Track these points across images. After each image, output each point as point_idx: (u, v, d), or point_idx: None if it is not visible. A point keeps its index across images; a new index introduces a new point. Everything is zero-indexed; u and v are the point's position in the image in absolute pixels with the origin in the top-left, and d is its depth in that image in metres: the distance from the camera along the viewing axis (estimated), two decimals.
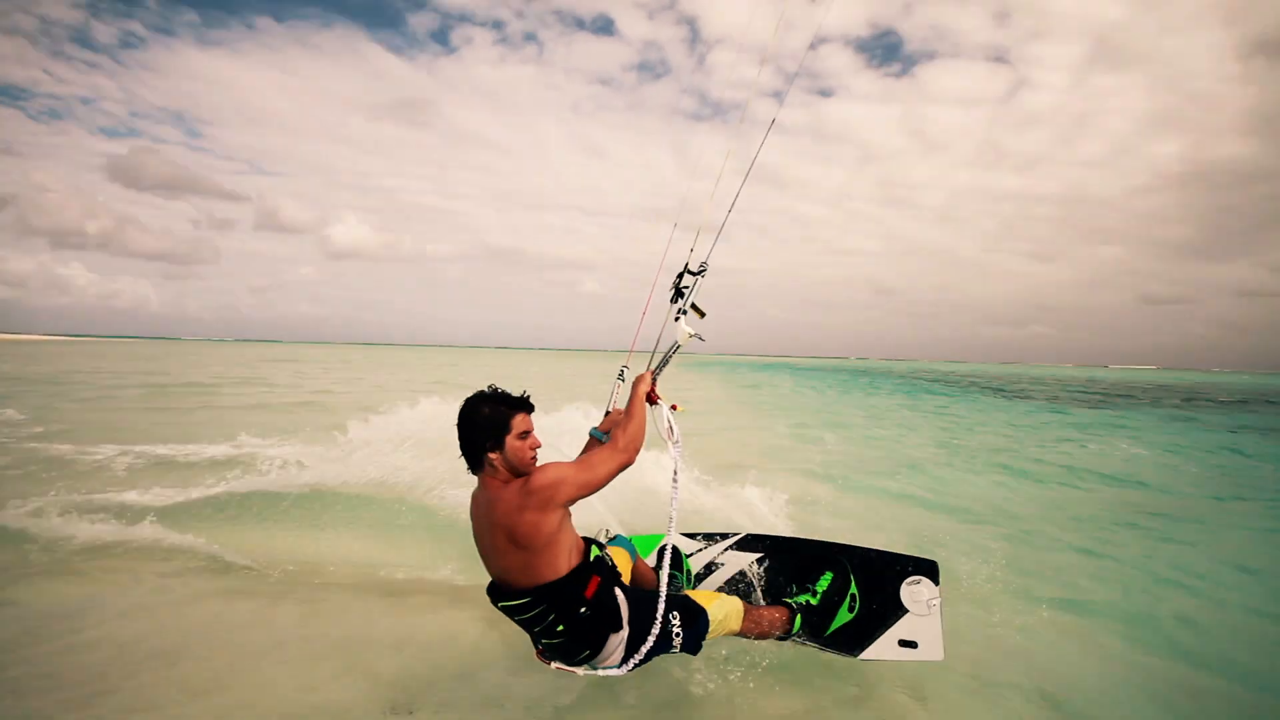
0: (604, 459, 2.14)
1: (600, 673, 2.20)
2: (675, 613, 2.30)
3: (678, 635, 2.28)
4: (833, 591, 2.78)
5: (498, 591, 2.16)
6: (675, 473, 2.32)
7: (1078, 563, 4.32)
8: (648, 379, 2.43)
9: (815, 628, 2.74)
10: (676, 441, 2.37)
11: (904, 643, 2.63)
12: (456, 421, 2.11)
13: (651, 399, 2.38)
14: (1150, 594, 3.84)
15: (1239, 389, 39.63)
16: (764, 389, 25.75)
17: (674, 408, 2.41)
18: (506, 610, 2.16)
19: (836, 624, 2.73)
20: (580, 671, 2.21)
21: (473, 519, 2.19)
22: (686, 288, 2.61)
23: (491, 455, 2.06)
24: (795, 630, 2.69)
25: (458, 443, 2.11)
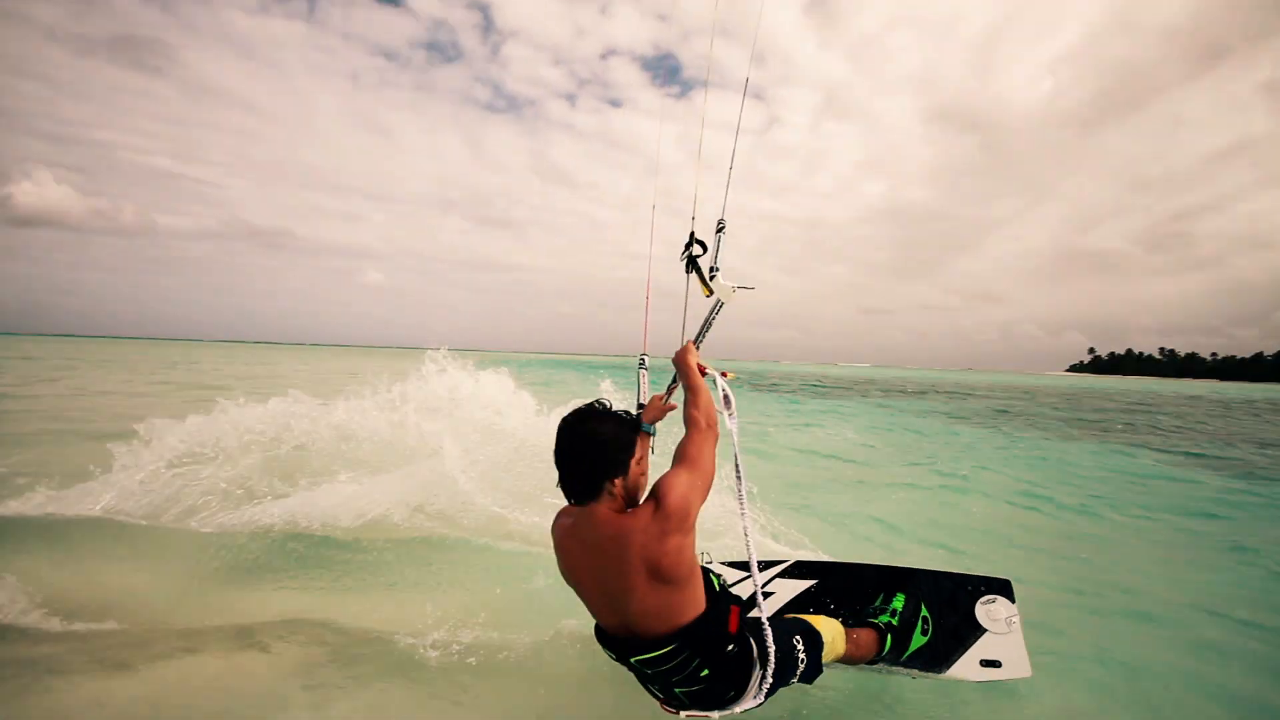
0: (700, 447, 1.89)
1: (738, 710, 1.91)
2: (798, 636, 2.08)
3: (802, 661, 2.05)
4: (907, 613, 2.66)
5: (627, 644, 1.79)
6: (736, 454, 2.03)
7: (793, 519, 5.40)
8: (694, 349, 2.26)
9: (894, 651, 2.60)
10: (733, 413, 2.16)
11: (986, 662, 2.58)
12: (565, 443, 1.79)
13: (701, 370, 2.20)
14: (849, 537, 5.01)
15: (922, 381, 51.19)
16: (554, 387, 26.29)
17: (724, 375, 2.24)
18: (641, 664, 1.80)
19: (913, 648, 2.62)
20: (716, 715, 1.91)
21: (579, 561, 1.81)
22: (698, 256, 2.48)
23: (615, 482, 1.76)
24: (886, 650, 2.55)
25: (561, 466, 1.79)
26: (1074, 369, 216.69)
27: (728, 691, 1.86)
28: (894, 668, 2.59)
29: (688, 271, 2.50)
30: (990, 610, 2.63)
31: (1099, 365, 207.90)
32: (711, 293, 2.44)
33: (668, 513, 1.67)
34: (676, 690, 1.85)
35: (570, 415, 1.83)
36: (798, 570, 2.87)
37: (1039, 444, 11.61)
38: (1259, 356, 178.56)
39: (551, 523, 1.91)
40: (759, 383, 34.09)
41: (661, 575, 1.69)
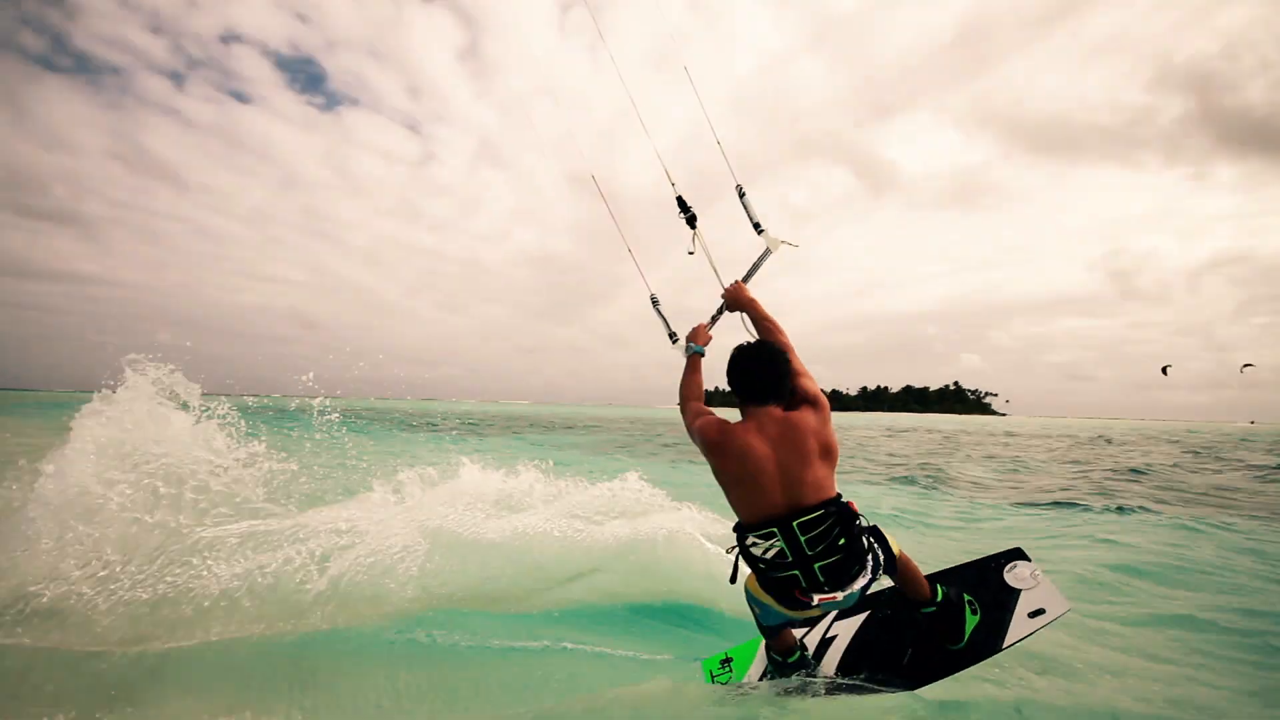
0: (799, 362, 2.56)
1: (855, 587, 2.30)
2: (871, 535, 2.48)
3: (882, 555, 2.46)
4: (952, 597, 2.88)
5: (791, 513, 2.26)
6: None
7: None
8: (744, 286, 3.00)
9: (952, 635, 2.82)
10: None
11: (1033, 613, 2.82)
12: (762, 356, 2.42)
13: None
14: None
15: (570, 416, 56.49)
16: None
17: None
18: (802, 525, 2.25)
19: (970, 627, 2.83)
20: (840, 596, 2.29)
21: (764, 452, 2.30)
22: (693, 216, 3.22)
23: (789, 386, 2.42)
24: (938, 599, 2.84)
25: (752, 376, 2.38)
26: None
27: (852, 566, 2.31)
28: (966, 669, 2.80)
29: (691, 226, 3.23)
30: (1016, 573, 2.97)
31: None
32: (692, 252, 3.22)
33: (822, 407, 2.40)
34: (816, 566, 2.29)
35: (748, 345, 2.49)
36: (856, 609, 3.10)
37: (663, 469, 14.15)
38: None
39: (711, 437, 2.41)
40: (414, 422, 32.03)
41: (829, 453, 2.33)
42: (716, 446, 2.39)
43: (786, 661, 2.92)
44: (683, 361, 2.89)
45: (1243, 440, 34.05)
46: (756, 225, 3.13)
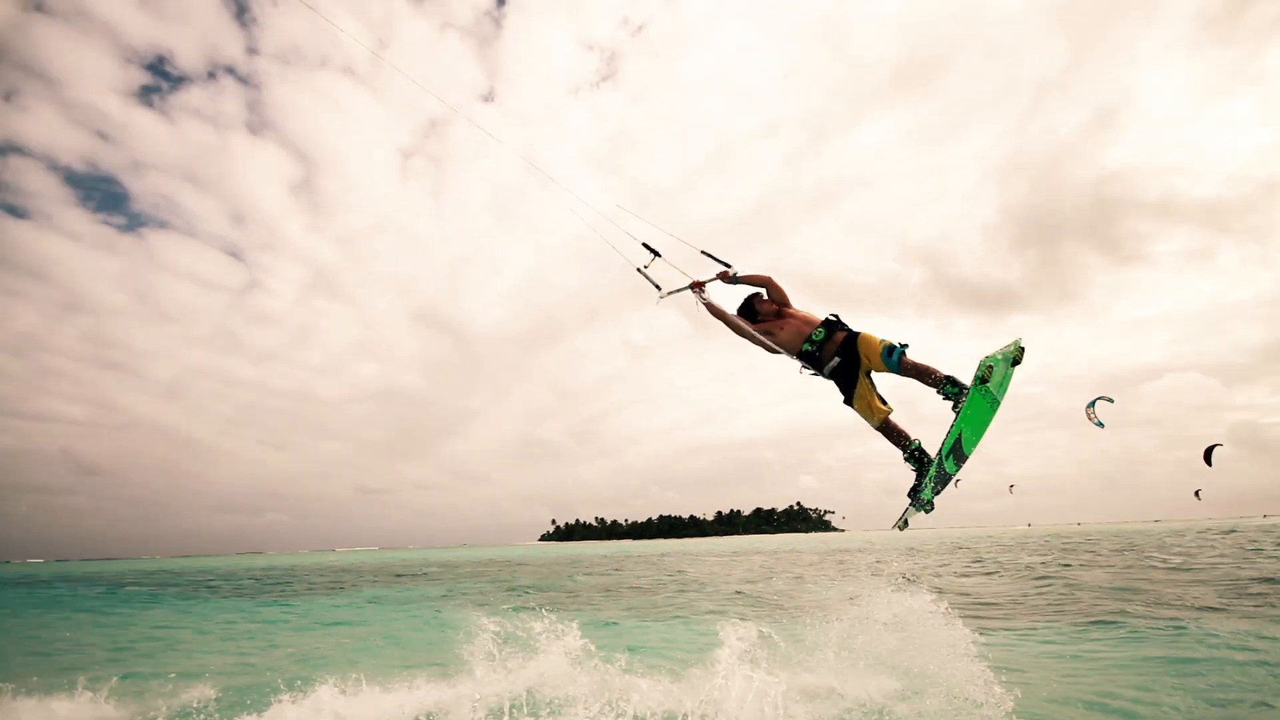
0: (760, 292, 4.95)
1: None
2: None
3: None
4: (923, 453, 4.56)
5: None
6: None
7: None
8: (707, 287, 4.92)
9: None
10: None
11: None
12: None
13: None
14: None
15: (421, 561, 51.88)
16: None
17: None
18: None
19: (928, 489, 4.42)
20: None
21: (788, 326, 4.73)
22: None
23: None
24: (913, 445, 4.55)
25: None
26: (544, 538, 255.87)
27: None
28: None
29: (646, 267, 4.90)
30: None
31: (559, 534, 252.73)
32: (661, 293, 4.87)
33: (771, 286, 4.97)
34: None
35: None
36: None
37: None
38: (649, 520, 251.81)
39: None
40: (219, 584, 27.79)
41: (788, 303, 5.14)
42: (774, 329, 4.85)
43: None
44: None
45: (1020, 541, 40.88)
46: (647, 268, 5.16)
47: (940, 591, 14.74)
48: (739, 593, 16.97)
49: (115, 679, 8.36)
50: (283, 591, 24.25)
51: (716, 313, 4.66)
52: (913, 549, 38.45)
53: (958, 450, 4.19)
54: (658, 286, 4.64)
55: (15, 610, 20.42)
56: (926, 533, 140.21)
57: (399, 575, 32.53)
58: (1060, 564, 21.25)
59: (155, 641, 12.69)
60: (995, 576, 18.54)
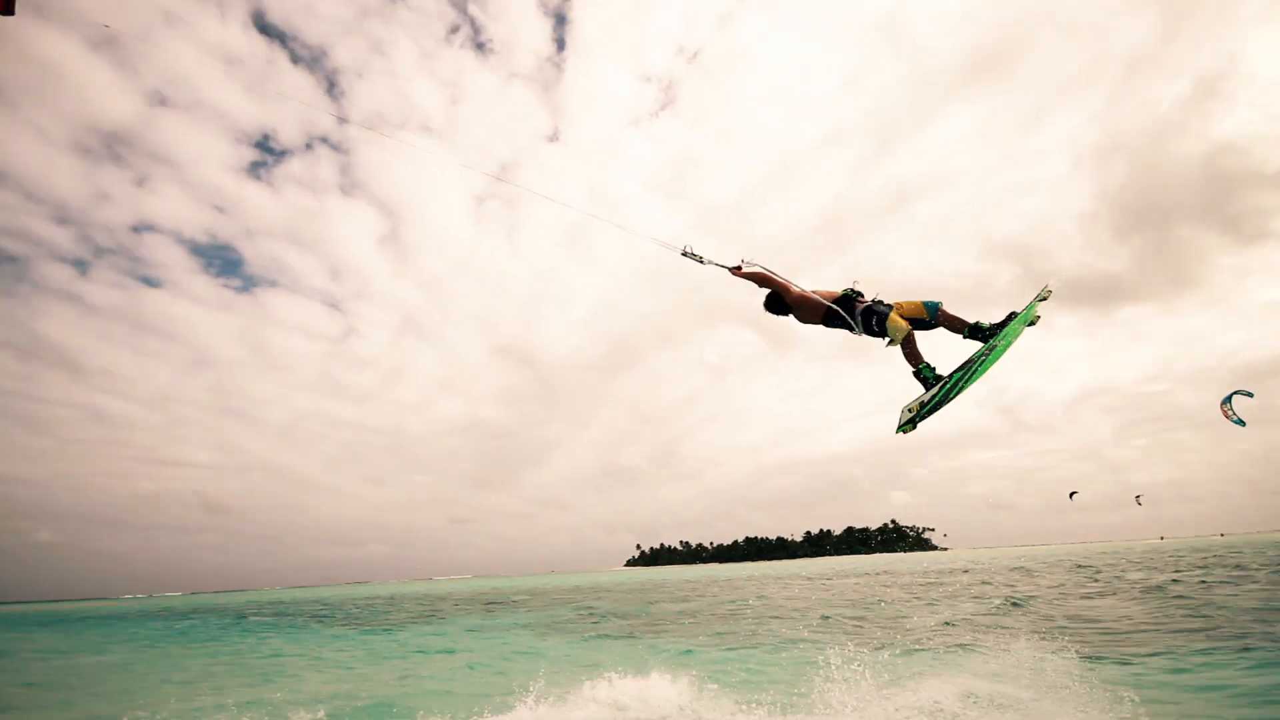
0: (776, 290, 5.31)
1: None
2: None
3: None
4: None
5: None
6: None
7: None
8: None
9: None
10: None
11: None
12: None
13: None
14: None
15: (514, 589, 53.25)
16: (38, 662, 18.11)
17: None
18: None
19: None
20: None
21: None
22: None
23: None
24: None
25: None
26: (629, 563, 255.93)
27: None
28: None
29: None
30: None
31: (645, 559, 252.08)
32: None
33: (777, 287, 5.45)
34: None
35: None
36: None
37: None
38: (735, 542, 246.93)
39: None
40: (326, 615, 29.60)
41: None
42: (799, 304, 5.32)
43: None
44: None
45: (1149, 555, 36.72)
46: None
47: (1049, 618, 13.56)
48: (826, 618, 16.29)
49: (240, 704, 9.12)
50: (386, 620, 25.60)
51: (758, 277, 5.31)
52: (1023, 568, 35.45)
53: (966, 380, 4.99)
54: (700, 260, 5.38)
55: (154, 640, 22.70)
56: (1040, 550, 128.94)
57: (490, 604, 33.50)
58: (1198, 582, 18.98)
59: (275, 667, 13.73)
60: (1117, 597, 16.79)
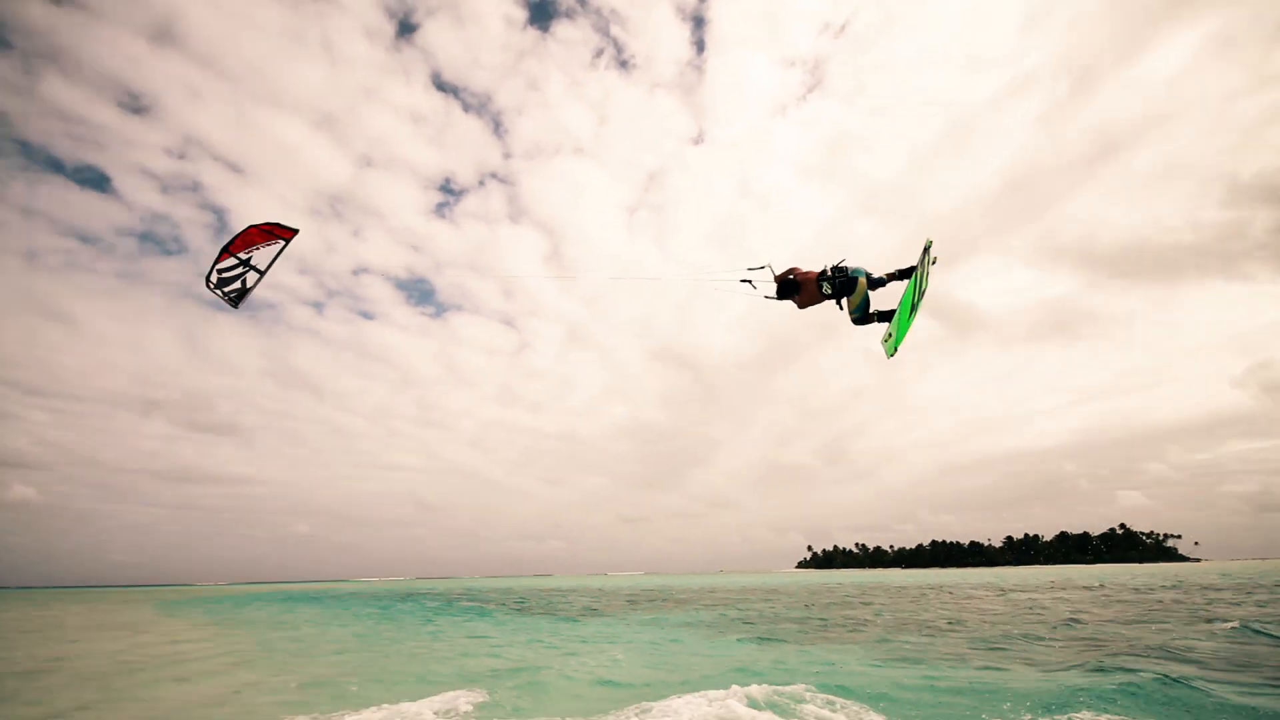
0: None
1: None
2: None
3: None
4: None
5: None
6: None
7: None
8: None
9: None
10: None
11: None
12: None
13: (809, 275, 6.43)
14: None
15: (692, 586, 54.63)
16: (289, 629, 22.68)
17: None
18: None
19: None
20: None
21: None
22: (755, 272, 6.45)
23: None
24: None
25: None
26: (801, 564, 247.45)
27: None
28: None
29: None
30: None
31: (818, 560, 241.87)
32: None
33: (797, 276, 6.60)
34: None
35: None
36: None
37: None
38: (920, 546, 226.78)
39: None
40: (525, 601, 32.88)
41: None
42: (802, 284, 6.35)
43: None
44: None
45: None
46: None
47: None
48: (1032, 637, 14.62)
49: (444, 670, 10.73)
50: (560, 609, 27.97)
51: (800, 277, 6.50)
52: None
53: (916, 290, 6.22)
54: (754, 286, 6.52)
55: (384, 615, 27.09)
56: None
57: (656, 600, 34.82)
58: None
59: (473, 643, 15.80)
60: None
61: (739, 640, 15.58)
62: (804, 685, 8.79)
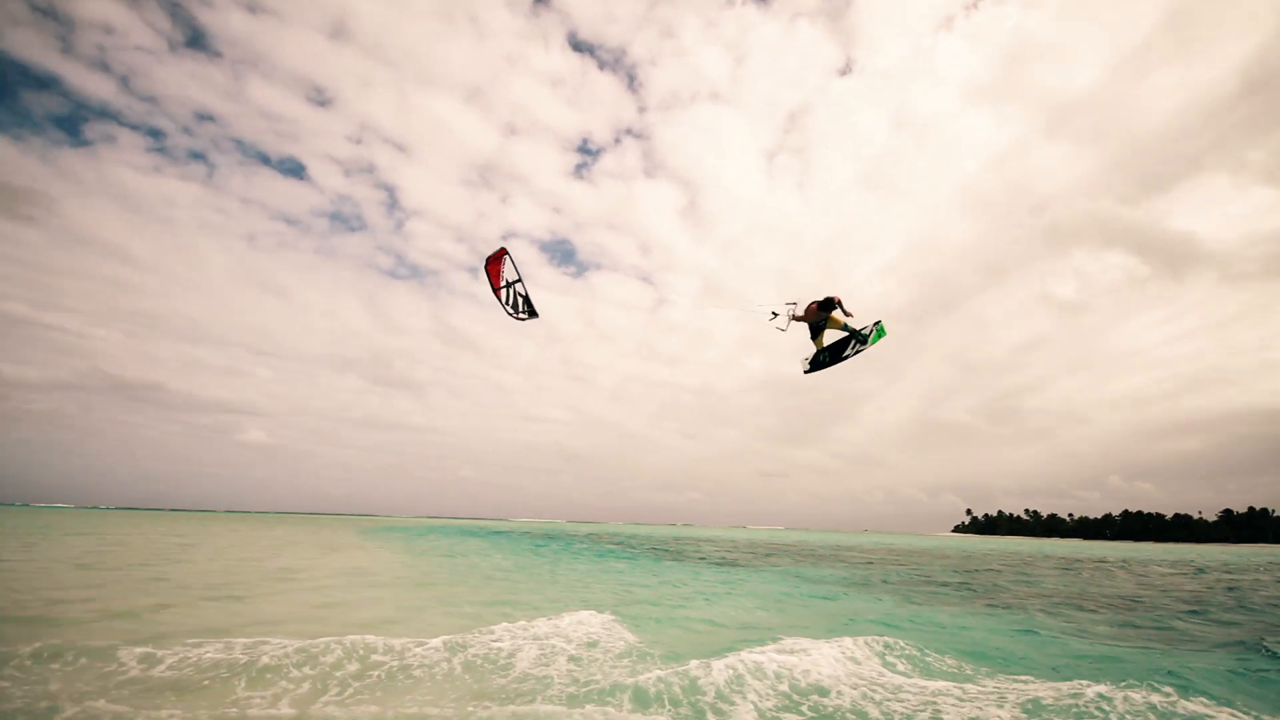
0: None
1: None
2: None
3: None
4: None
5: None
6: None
7: None
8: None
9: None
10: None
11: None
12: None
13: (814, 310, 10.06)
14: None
15: (830, 544, 53.92)
16: (461, 557, 26.12)
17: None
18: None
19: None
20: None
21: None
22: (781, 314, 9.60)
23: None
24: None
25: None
26: (958, 529, 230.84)
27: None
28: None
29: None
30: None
31: (978, 526, 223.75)
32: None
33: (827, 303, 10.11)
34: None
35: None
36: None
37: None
38: (1108, 516, 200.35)
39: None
40: (670, 550, 34.55)
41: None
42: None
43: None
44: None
45: None
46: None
47: None
48: (1211, 619, 12.79)
49: (580, 596, 11.89)
50: (704, 557, 29.11)
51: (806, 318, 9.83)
52: None
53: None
54: (781, 326, 9.38)
55: (538, 552, 30.10)
56: None
57: (788, 555, 34.79)
58: None
59: (615, 579, 17.20)
60: None
61: (880, 598, 15.29)
62: (943, 646, 8.56)
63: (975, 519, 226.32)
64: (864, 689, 6.36)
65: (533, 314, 8.95)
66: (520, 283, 8.96)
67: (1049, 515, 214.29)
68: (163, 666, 6.39)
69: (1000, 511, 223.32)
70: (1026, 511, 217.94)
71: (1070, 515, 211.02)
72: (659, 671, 6.61)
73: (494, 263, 9.06)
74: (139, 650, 6.79)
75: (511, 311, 8.92)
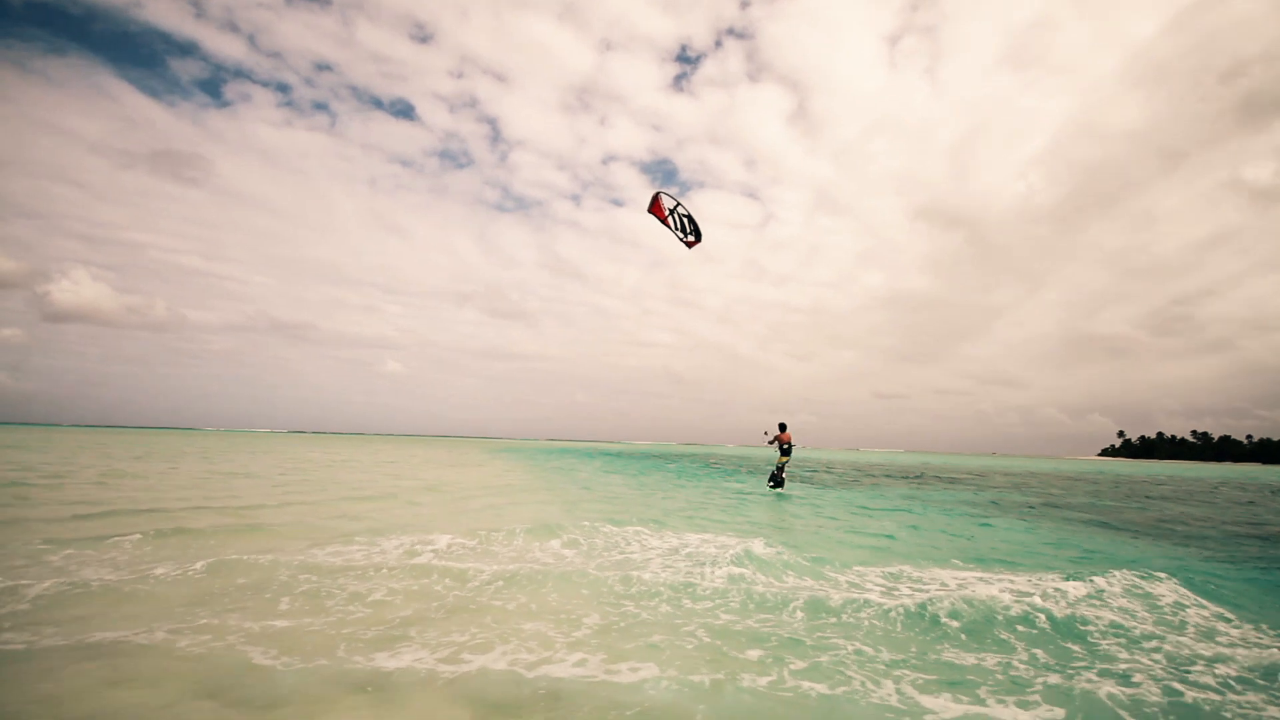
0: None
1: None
2: None
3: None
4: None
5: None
6: None
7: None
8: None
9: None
10: None
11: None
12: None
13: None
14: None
15: (958, 468, 50.84)
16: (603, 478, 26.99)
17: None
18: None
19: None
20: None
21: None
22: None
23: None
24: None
25: None
26: (1105, 453, 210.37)
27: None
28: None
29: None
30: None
31: (1130, 449, 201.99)
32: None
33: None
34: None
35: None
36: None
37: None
38: None
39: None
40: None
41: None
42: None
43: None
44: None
45: None
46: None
47: None
48: None
49: (684, 514, 11.44)
50: (821, 480, 28.21)
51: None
52: None
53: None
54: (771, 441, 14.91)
55: (648, 473, 30.53)
56: None
57: (918, 477, 32.89)
58: None
59: (742, 501, 16.84)
60: None
61: (1028, 527, 13.64)
62: (1118, 576, 7.13)
63: (1128, 441, 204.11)
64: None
65: (698, 236, 10.50)
66: (680, 205, 10.00)
67: (1220, 437, 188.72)
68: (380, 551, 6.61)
69: (1160, 433, 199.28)
70: (1194, 433, 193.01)
71: (1249, 437, 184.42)
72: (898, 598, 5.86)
73: (655, 204, 10.33)
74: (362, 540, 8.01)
75: (681, 236, 10.11)
